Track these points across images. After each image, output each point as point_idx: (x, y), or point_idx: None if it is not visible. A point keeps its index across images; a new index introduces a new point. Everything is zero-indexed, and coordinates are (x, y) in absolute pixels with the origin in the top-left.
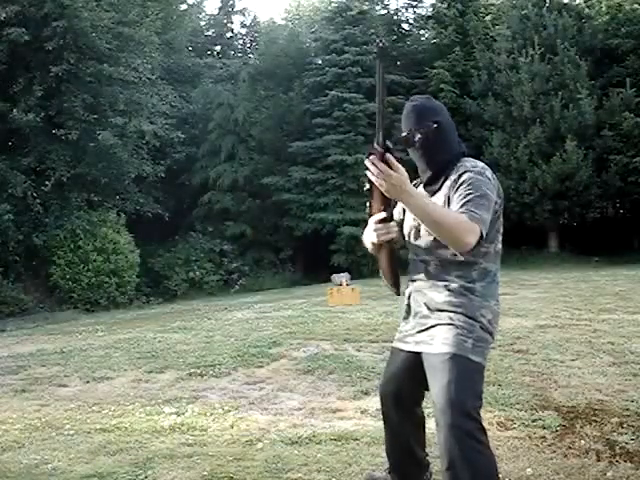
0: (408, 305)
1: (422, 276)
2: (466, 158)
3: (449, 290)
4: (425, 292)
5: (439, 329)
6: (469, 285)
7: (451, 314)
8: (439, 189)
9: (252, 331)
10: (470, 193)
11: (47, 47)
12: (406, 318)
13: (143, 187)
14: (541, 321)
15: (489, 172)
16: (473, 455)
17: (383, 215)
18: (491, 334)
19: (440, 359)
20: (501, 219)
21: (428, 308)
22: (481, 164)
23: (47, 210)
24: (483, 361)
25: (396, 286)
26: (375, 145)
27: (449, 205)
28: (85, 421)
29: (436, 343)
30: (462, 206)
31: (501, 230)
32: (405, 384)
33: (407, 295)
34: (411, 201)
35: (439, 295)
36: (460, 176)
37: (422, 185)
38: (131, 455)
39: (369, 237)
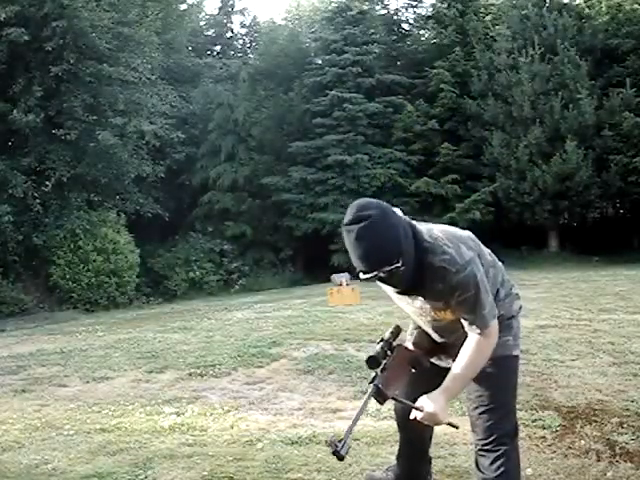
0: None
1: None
2: (428, 241)
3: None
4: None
5: None
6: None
7: None
8: (419, 289)
9: (252, 331)
10: (468, 298)
11: (47, 47)
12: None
13: (143, 187)
14: (541, 321)
15: (462, 246)
16: (507, 449)
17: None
18: (519, 318)
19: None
20: (484, 252)
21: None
22: (447, 246)
23: (47, 210)
24: (519, 351)
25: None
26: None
27: (446, 303)
28: (85, 421)
29: None
30: (469, 315)
31: (487, 256)
32: (426, 391)
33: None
34: (454, 392)
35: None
36: (449, 284)
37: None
38: (131, 455)
39: None
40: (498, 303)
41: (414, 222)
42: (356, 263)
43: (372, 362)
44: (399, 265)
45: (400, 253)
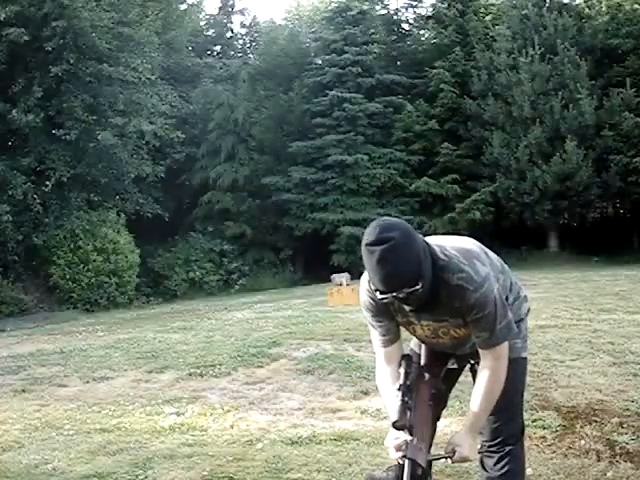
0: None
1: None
2: (443, 259)
3: None
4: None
5: None
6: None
7: None
8: (435, 306)
9: (252, 331)
10: (485, 316)
11: (47, 47)
12: None
13: (143, 187)
14: (541, 321)
15: (477, 262)
16: (512, 449)
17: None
18: (527, 320)
19: None
20: (492, 257)
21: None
22: (466, 268)
23: (47, 210)
24: (527, 353)
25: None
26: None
27: (464, 320)
28: (85, 421)
29: None
30: (483, 332)
31: (496, 262)
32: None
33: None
34: (477, 427)
35: None
36: (467, 302)
37: (408, 310)
38: (131, 455)
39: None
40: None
41: (426, 239)
42: (376, 285)
43: (399, 426)
44: (419, 287)
45: (421, 275)
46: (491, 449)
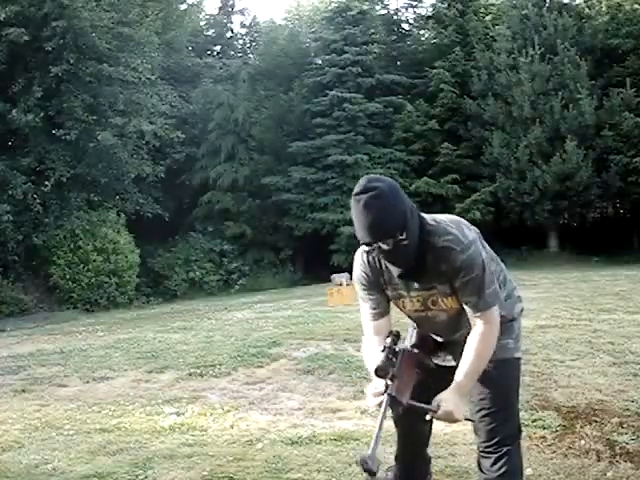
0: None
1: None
2: (431, 225)
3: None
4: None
5: None
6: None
7: None
8: (423, 273)
9: (252, 331)
10: (472, 280)
11: (47, 47)
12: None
13: (143, 187)
14: (541, 321)
15: (465, 228)
16: (509, 450)
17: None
18: (520, 320)
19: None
20: (487, 247)
21: (463, 339)
22: (451, 227)
23: (47, 210)
24: (521, 353)
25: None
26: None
27: (451, 287)
28: (85, 421)
29: None
30: (472, 297)
31: (491, 252)
32: (426, 395)
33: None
34: (465, 389)
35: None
36: (453, 264)
37: (396, 276)
38: (131, 455)
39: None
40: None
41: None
42: (361, 233)
43: (380, 372)
44: (403, 238)
45: (405, 227)
46: (488, 449)
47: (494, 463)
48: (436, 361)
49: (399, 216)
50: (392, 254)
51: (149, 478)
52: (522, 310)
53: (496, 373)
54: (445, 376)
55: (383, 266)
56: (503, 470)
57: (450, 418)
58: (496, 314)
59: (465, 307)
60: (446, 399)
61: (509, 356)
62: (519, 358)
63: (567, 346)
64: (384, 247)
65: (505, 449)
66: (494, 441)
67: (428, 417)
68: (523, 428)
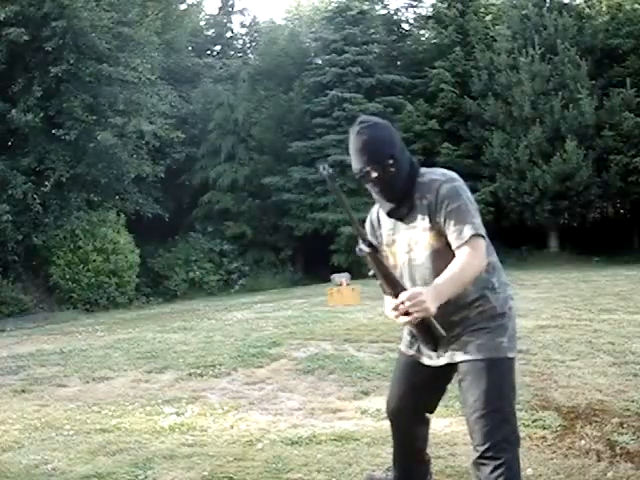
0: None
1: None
2: (422, 170)
3: (475, 298)
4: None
5: (471, 335)
6: (486, 284)
7: (479, 317)
8: (410, 211)
9: (252, 331)
10: (458, 206)
11: (47, 47)
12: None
13: (143, 187)
14: (541, 321)
15: (451, 172)
16: (507, 457)
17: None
18: (515, 317)
19: (478, 366)
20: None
21: (450, 320)
22: (440, 170)
23: (47, 210)
24: (515, 353)
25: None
26: (362, 246)
27: (431, 221)
28: (85, 421)
29: (471, 350)
30: (457, 225)
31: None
32: (423, 396)
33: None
34: (445, 295)
35: (462, 303)
36: (437, 192)
37: (386, 214)
38: (131, 455)
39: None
40: (491, 292)
41: None
42: (354, 160)
43: (398, 291)
44: (391, 164)
45: (394, 155)
46: (486, 455)
47: (492, 471)
48: (432, 362)
49: (388, 144)
50: (381, 184)
51: (149, 478)
52: (511, 308)
53: (489, 373)
54: (440, 378)
55: (380, 219)
56: (502, 479)
57: (419, 304)
58: (482, 244)
59: (450, 240)
60: (421, 290)
61: (502, 355)
62: (513, 358)
63: (567, 346)
64: (374, 175)
65: (504, 457)
66: (489, 444)
67: (399, 300)
68: (523, 428)
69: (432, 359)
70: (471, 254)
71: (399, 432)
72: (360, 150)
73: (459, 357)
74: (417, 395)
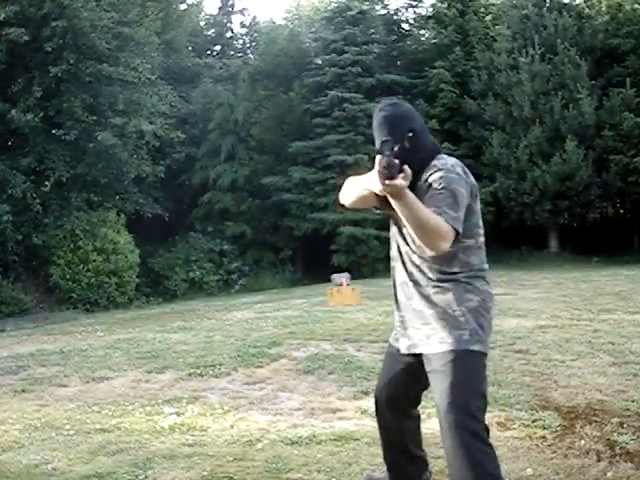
0: (396, 300)
1: (405, 278)
2: (440, 155)
3: (435, 286)
4: (411, 292)
5: (434, 327)
6: (452, 276)
7: (440, 309)
8: (413, 190)
9: (252, 331)
10: (441, 193)
11: (47, 47)
12: (398, 315)
13: (143, 187)
14: (541, 321)
15: (460, 168)
16: (478, 456)
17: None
18: (487, 313)
19: (440, 360)
20: (479, 214)
21: (415, 309)
22: (452, 160)
23: (47, 210)
24: (483, 348)
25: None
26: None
27: (423, 203)
28: (85, 421)
29: (433, 342)
30: (436, 207)
31: (480, 224)
32: (401, 387)
33: (394, 293)
34: (406, 200)
35: (425, 292)
36: (430, 175)
37: None
38: (131, 455)
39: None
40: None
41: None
42: (376, 134)
43: (386, 146)
44: (411, 137)
45: (414, 129)
46: (454, 451)
47: (461, 462)
48: (404, 349)
49: (408, 119)
50: (399, 157)
51: (149, 478)
52: (485, 307)
53: (452, 366)
54: (414, 367)
55: None
56: (468, 468)
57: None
58: (450, 234)
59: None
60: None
61: (463, 347)
62: (478, 352)
63: (567, 346)
64: (393, 147)
65: (472, 453)
66: (456, 441)
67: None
68: (523, 428)
69: (398, 342)
70: (443, 224)
71: (384, 424)
72: (380, 124)
73: (423, 349)
74: (398, 384)
